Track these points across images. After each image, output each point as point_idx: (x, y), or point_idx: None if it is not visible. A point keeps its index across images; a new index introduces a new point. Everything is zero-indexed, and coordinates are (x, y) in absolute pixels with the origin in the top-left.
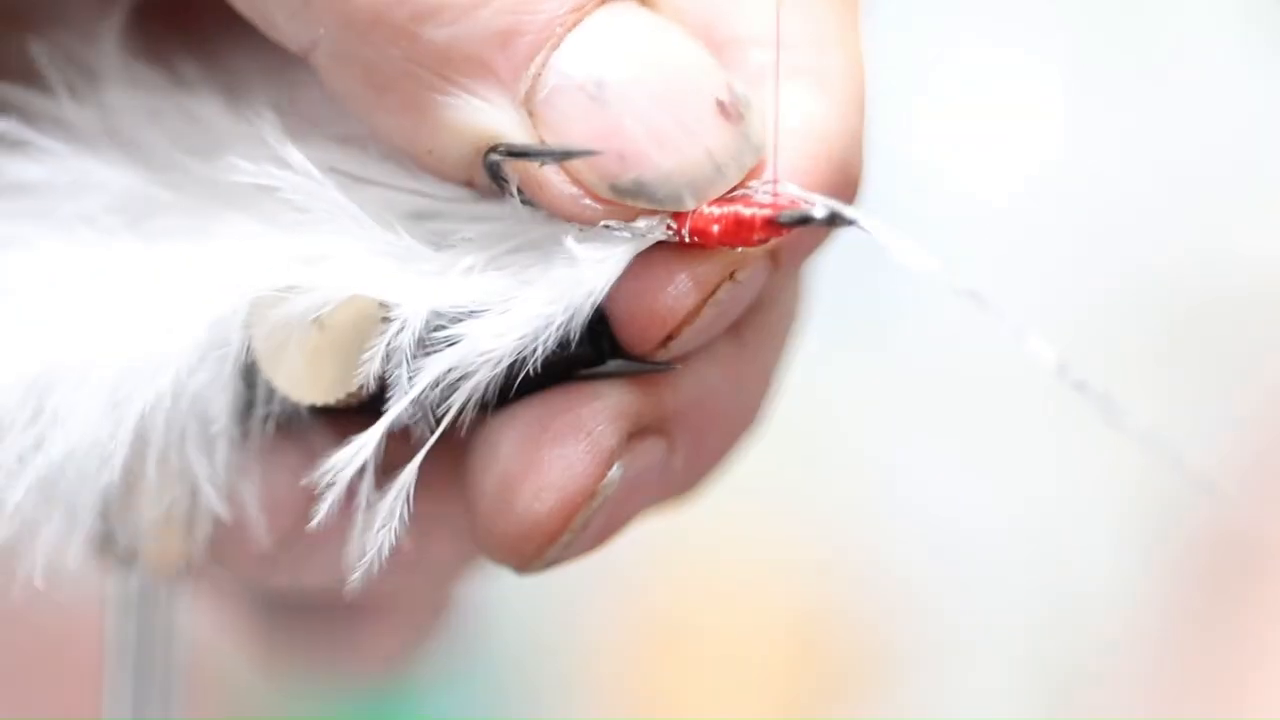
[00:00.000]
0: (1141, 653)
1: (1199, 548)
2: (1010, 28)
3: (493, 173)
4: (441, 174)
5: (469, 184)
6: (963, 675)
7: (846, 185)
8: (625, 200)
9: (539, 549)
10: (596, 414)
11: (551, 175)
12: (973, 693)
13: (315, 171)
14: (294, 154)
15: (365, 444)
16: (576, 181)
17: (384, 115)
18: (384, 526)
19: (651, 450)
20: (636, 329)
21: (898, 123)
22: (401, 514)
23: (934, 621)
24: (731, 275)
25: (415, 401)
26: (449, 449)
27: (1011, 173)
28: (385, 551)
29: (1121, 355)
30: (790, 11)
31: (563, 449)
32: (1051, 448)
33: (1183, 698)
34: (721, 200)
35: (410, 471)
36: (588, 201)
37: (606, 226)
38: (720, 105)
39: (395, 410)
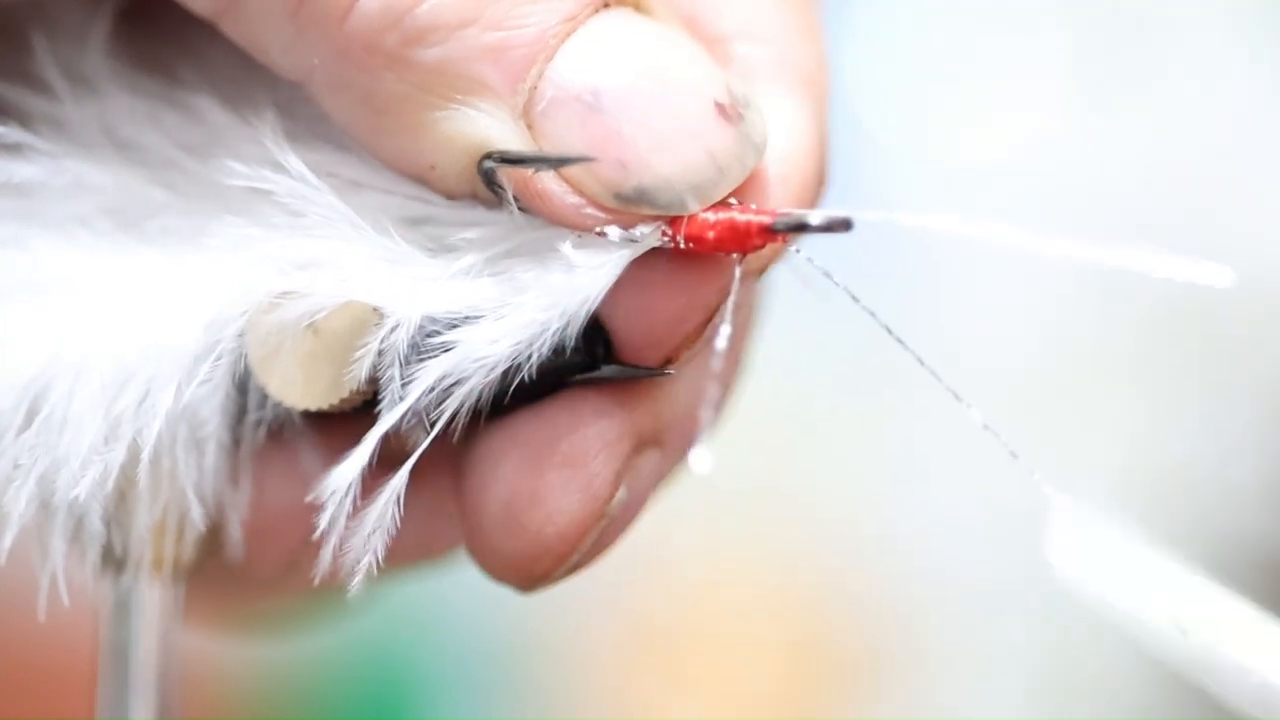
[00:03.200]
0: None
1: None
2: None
3: (487, 180)
4: (446, 189)
5: (473, 197)
6: (958, 678)
7: (823, 184)
8: (628, 207)
9: (547, 570)
10: (604, 434)
11: (553, 185)
12: (969, 695)
13: (311, 176)
14: (291, 158)
15: (360, 458)
16: (578, 191)
17: (385, 137)
18: (376, 530)
19: (651, 463)
20: (638, 347)
21: (900, 105)
22: (393, 518)
23: (930, 625)
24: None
25: (409, 408)
26: (439, 450)
27: (1005, 150)
28: (379, 555)
29: (1108, 343)
30: (757, 5)
31: (572, 473)
32: (1051, 449)
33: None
34: (716, 207)
35: (400, 478)
36: (590, 210)
37: (602, 233)
38: (720, 107)
39: (389, 420)
